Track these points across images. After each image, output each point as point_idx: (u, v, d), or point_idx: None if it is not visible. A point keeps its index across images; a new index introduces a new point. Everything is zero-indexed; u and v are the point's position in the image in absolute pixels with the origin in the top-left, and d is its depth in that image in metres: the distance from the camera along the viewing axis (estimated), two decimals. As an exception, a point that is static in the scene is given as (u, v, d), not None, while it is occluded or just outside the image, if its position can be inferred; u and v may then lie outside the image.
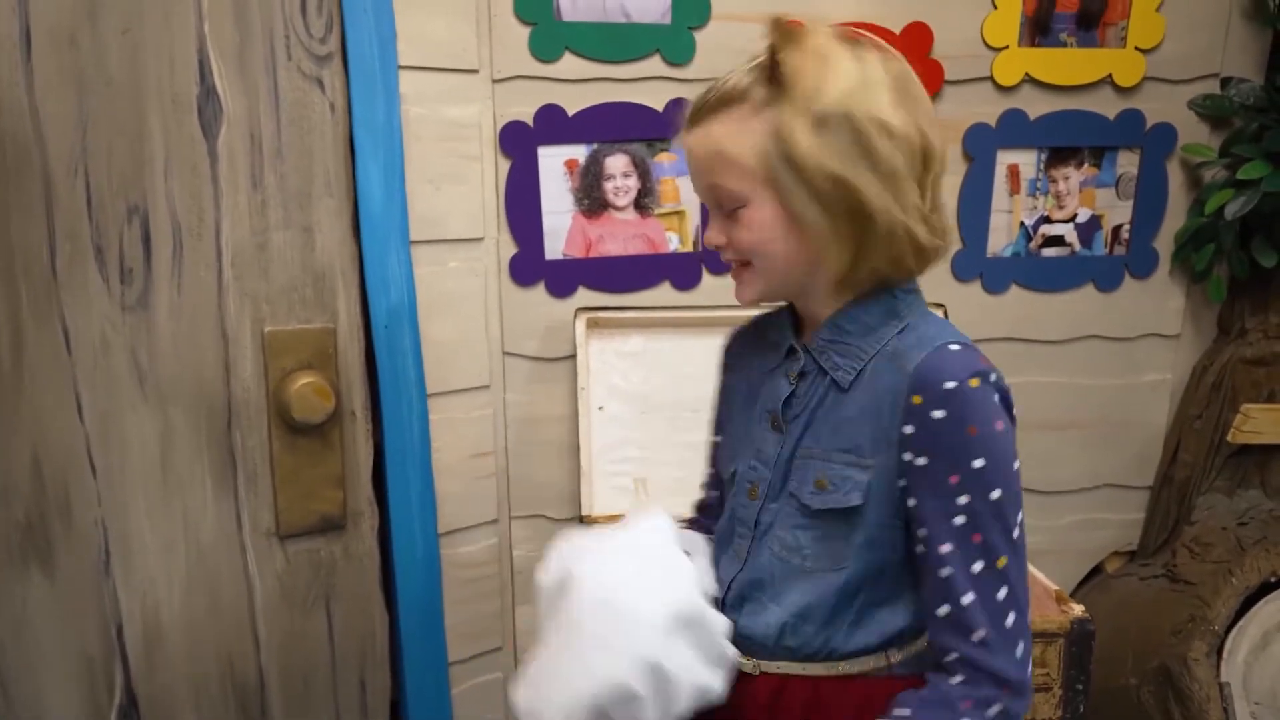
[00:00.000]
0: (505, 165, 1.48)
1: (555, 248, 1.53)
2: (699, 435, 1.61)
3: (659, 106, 1.50)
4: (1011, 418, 0.80)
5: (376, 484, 1.43)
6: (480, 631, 1.61)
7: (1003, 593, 0.77)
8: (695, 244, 1.57)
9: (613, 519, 1.52)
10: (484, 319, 1.52)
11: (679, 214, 1.56)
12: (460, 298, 1.48)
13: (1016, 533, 0.78)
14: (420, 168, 1.39)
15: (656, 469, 1.51)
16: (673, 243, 1.57)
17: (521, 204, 1.49)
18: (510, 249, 1.52)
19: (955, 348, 0.79)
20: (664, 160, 1.53)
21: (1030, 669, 0.79)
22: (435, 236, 1.43)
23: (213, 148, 1.20)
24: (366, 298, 1.35)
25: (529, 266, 1.52)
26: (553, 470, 1.60)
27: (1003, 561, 0.77)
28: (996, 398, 0.78)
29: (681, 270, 1.58)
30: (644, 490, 1.50)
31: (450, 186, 1.44)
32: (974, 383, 0.76)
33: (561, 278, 1.54)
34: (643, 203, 1.54)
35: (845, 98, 0.76)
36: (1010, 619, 0.77)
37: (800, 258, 0.81)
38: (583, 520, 1.45)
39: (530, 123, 1.47)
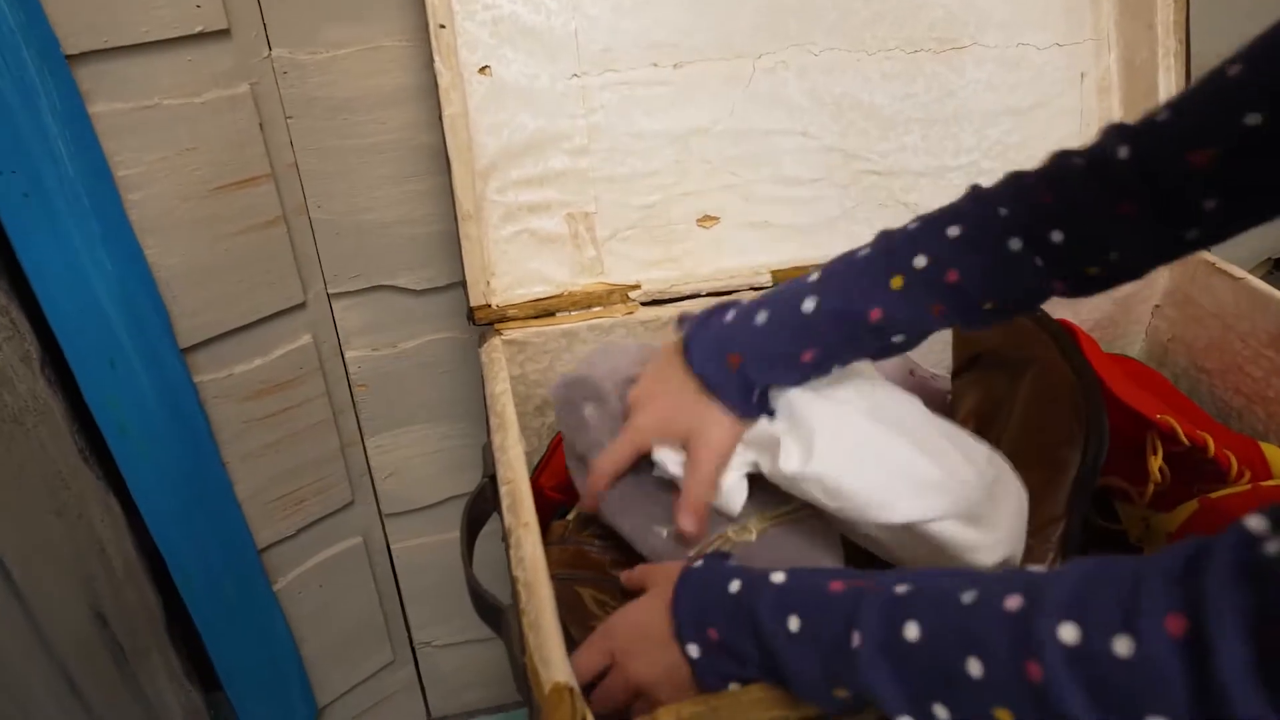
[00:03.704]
0: None
1: None
2: (694, 117, 0.83)
3: None
4: None
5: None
6: (308, 489, 0.92)
7: None
8: None
9: (539, 308, 0.71)
10: None
11: None
12: None
13: None
14: None
15: (610, 191, 0.75)
16: None
17: None
18: None
19: None
20: None
21: None
22: None
23: None
24: None
25: None
26: (394, 198, 0.82)
27: None
28: None
29: None
30: (589, 236, 0.75)
31: None
32: None
33: None
34: None
35: None
36: None
37: None
38: (476, 317, 0.71)
39: None
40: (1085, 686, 0.31)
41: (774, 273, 0.76)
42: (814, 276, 0.53)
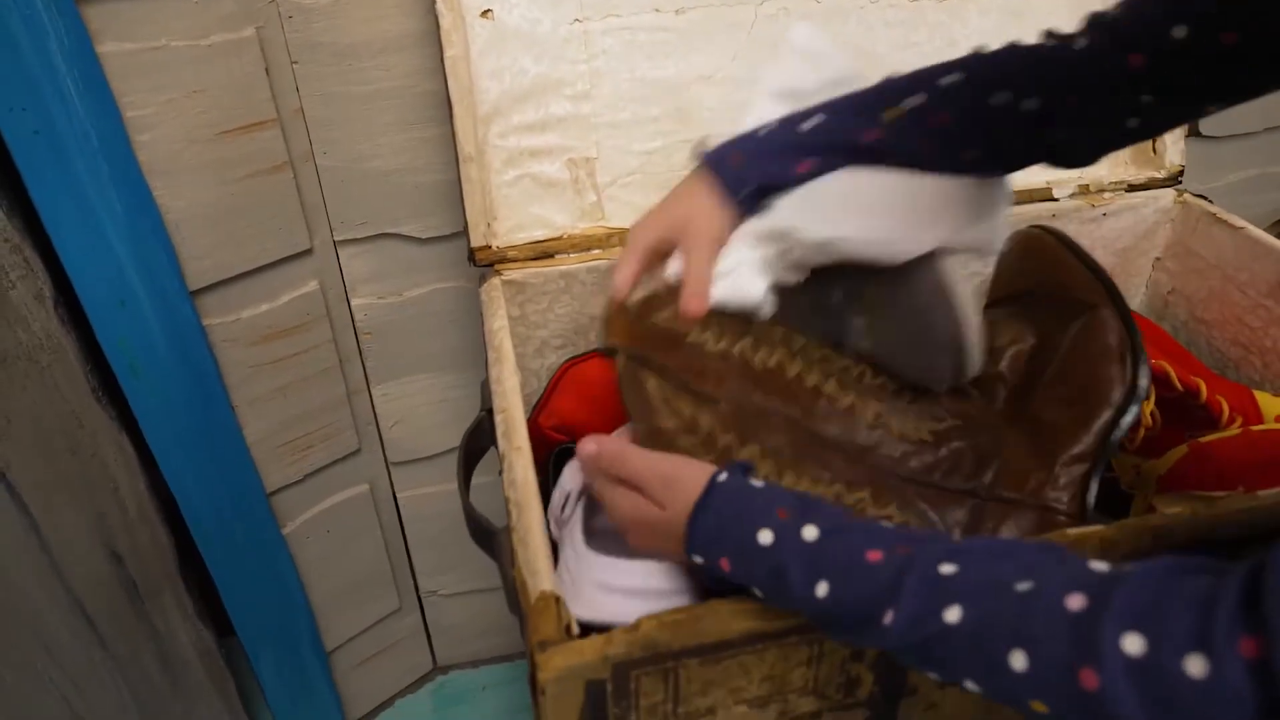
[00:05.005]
0: None
1: None
2: (696, 64, 0.83)
3: None
4: None
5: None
6: (315, 435, 0.94)
7: None
8: None
9: (539, 250, 0.74)
10: None
11: None
12: None
13: None
14: None
15: (611, 137, 0.76)
16: None
17: None
18: None
19: None
20: None
21: None
22: None
23: None
24: None
25: None
26: (399, 145, 0.83)
27: None
28: None
29: None
30: (590, 182, 0.76)
31: None
32: None
33: None
34: None
35: None
36: None
37: None
38: (477, 258, 0.72)
39: None
40: (1147, 702, 0.30)
41: (773, 219, 0.76)
42: (822, 102, 0.56)
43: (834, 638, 0.42)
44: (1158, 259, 0.85)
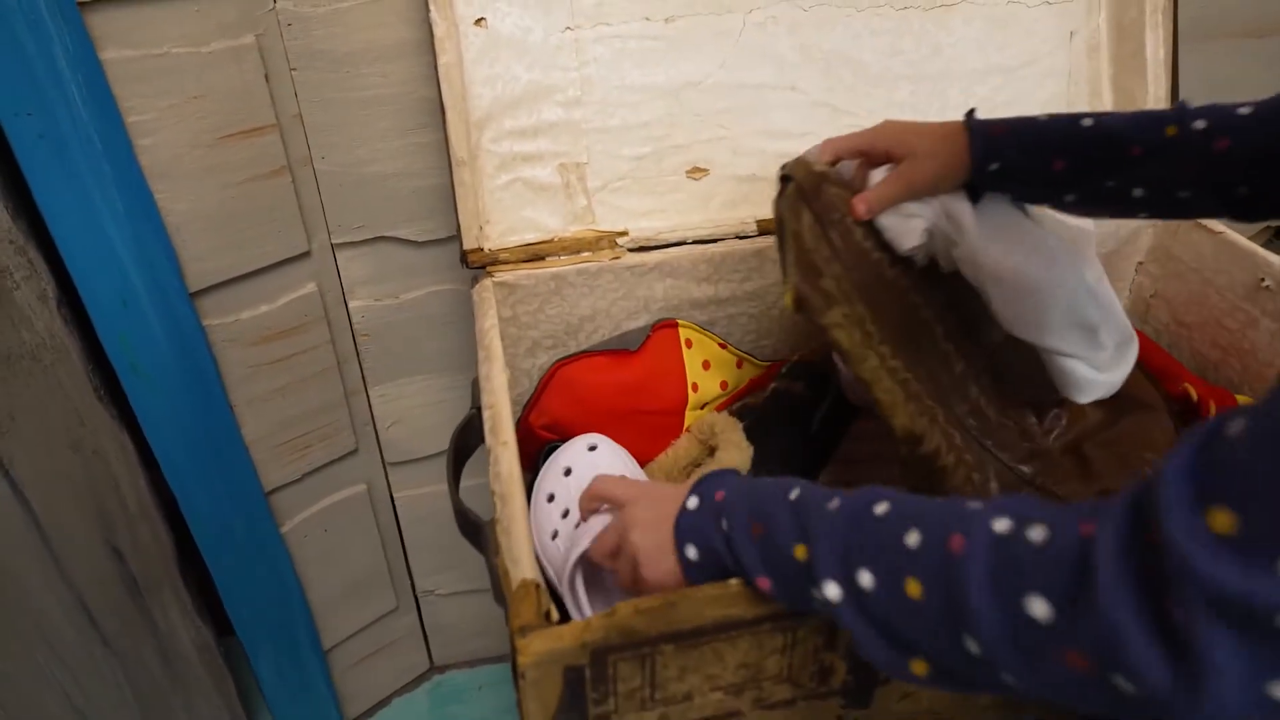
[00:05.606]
0: None
1: None
2: (685, 71, 0.85)
3: None
4: None
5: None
6: (313, 435, 0.95)
7: None
8: None
9: (530, 252, 0.75)
10: None
11: None
12: None
13: None
14: None
15: (601, 143, 0.77)
16: None
17: None
18: None
19: None
20: None
21: None
22: None
23: None
24: None
25: None
26: (396, 150, 0.85)
27: None
28: None
29: None
30: (581, 186, 0.77)
31: None
32: None
33: None
34: None
35: None
36: None
37: None
38: (469, 260, 0.74)
39: None
40: (991, 567, 0.35)
41: (759, 222, 0.78)
42: (1103, 112, 0.58)
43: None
44: (1140, 263, 0.86)
